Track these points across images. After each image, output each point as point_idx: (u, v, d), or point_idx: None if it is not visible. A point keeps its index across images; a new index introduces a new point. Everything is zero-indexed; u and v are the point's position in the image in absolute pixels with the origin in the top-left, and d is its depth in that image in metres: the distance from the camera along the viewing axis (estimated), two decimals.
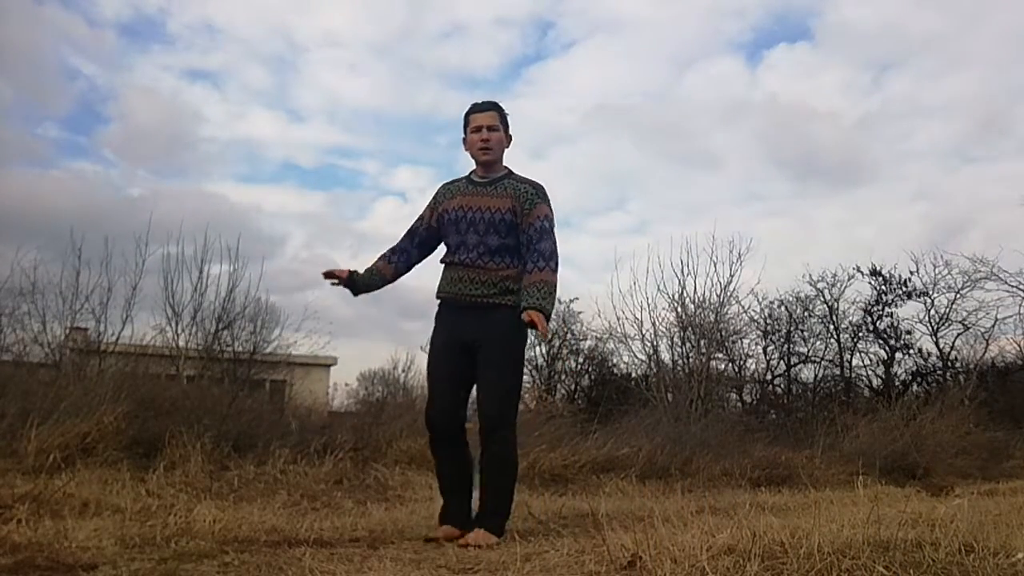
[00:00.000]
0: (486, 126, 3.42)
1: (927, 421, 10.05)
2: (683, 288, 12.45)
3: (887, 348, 16.59)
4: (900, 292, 16.62)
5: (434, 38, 31.55)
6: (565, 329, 15.52)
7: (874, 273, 16.63)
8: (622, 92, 32.02)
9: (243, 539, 3.03)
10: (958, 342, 16.31)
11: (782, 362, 16.07)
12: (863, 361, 16.52)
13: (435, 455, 3.52)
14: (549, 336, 3.64)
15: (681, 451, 7.37)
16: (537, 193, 3.41)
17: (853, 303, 16.43)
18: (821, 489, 6.47)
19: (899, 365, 16.68)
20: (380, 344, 32.43)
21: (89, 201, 23.41)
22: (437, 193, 3.59)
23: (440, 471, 3.53)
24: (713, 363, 13.00)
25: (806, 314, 16.20)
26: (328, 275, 3.56)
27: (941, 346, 16.39)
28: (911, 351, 16.62)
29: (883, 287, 16.65)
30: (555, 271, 3.32)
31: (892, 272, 16.59)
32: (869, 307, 16.54)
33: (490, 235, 3.37)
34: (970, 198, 27.39)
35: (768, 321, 15.79)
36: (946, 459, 9.38)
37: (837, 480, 7.50)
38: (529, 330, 3.36)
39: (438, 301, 3.56)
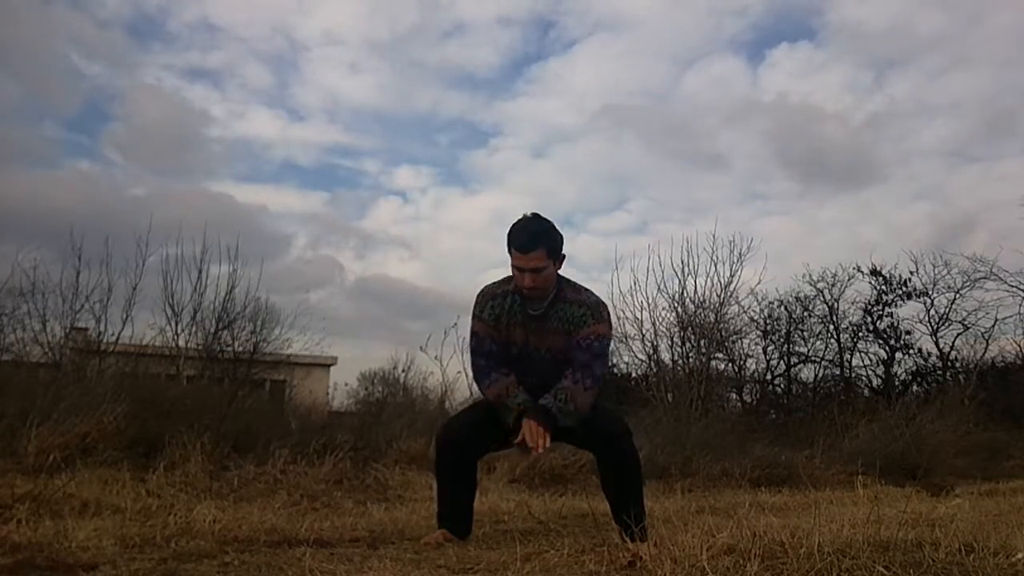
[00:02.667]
0: (529, 270, 2.98)
1: (927, 421, 10.05)
2: (683, 288, 12.47)
3: (887, 348, 16.62)
4: (900, 292, 16.66)
5: (435, 37, 31.60)
6: None
7: (874, 273, 16.67)
8: (623, 91, 32.10)
9: (243, 539, 3.03)
10: (958, 342, 16.37)
11: (782, 362, 16.11)
12: (863, 361, 16.58)
13: (440, 472, 3.29)
14: (532, 456, 3.32)
15: (681, 451, 7.37)
16: (590, 315, 3.07)
17: (853, 303, 16.48)
18: (821, 489, 6.47)
19: (899, 365, 16.75)
20: (381, 344, 32.46)
21: (94, 201, 23.47)
22: (485, 310, 3.15)
23: (443, 486, 3.31)
24: (713, 363, 13.02)
25: (806, 314, 16.24)
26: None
27: (941, 346, 16.43)
28: (911, 351, 16.67)
29: (883, 287, 16.69)
30: (589, 390, 3.00)
31: (892, 272, 16.64)
32: (869, 307, 16.58)
33: (550, 376, 3.09)
34: (975, 198, 27.43)
35: (768, 321, 15.83)
36: (946, 459, 9.38)
37: (837, 480, 7.50)
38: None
39: None
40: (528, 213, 3.08)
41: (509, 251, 3.03)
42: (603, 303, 3.16)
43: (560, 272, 3.13)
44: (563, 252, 3.08)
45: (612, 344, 3.31)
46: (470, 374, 3.54)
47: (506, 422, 3.07)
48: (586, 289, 3.18)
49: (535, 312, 3.09)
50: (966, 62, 29.81)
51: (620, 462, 3.18)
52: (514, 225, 3.04)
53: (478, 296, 3.20)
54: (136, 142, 28.37)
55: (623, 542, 2.93)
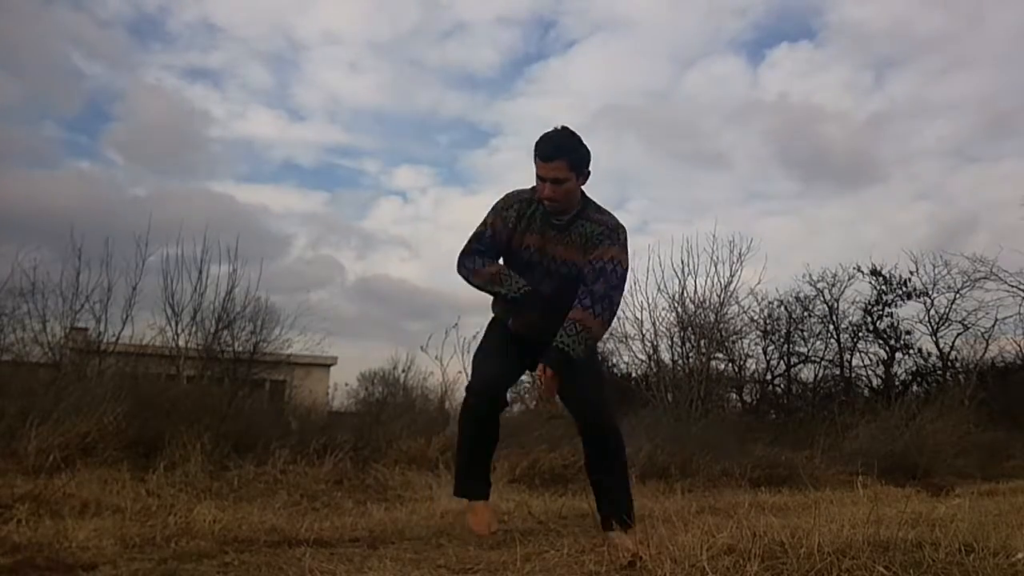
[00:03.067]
0: (550, 180, 2.97)
1: (927, 421, 10.04)
2: (683, 288, 12.46)
3: (887, 348, 16.61)
4: (900, 292, 16.65)
5: (435, 37, 31.61)
6: None
7: (874, 273, 16.66)
8: (624, 91, 32.10)
9: (243, 539, 3.03)
10: (958, 342, 16.35)
11: (782, 362, 16.09)
12: (863, 361, 16.56)
13: (470, 430, 3.21)
14: (550, 398, 3.31)
15: (681, 451, 7.36)
16: (606, 235, 3.03)
17: (853, 303, 16.47)
18: (821, 489, 6.46)
19: (899, 365, 16.73)
20: (381, 344, 32.47)
21: (94, 202, 23.47)
22: (510, 209, 3.13)
23: (471, 445, 3.23)
24: (713, 363, 13.01)
25: (806, 314, 16.22)
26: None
27: (941, 346, 16.42)
28: (911, 351, 16.66)
29: (883, 287, 16.68)
30: (599, 317, 2.92)
31: (892, 272, 16.63)
32: (869, 307, 16.56)
33: (565, 289, 3.03)
34: (977, 198, 27.42)
35: (768, 321, 15.81)
36: (946, 459, 9.38)
37: (837, 480, 7.49)
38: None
39: (493, 315, 3.30)
40: (559, 126, 3.03)
41: (534, 160, 3.00)
42: (623, 227, 3.11)
43: (587, 193, 3.10)
44: (589, 169, 3.03)
45: (629, 275, 3.30)
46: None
47: (508, 295, 3.06)
48: (610, 212, 3.13)
49: (556, 223, 3.07)
50: (966, 62, 29.84)
51: (604, 441, 3.17)
52: (542, 135, 3.01)
53: (505, 195, 3.18)
54: (137, 142, 28.39)
55: (606, 533, 2.96)
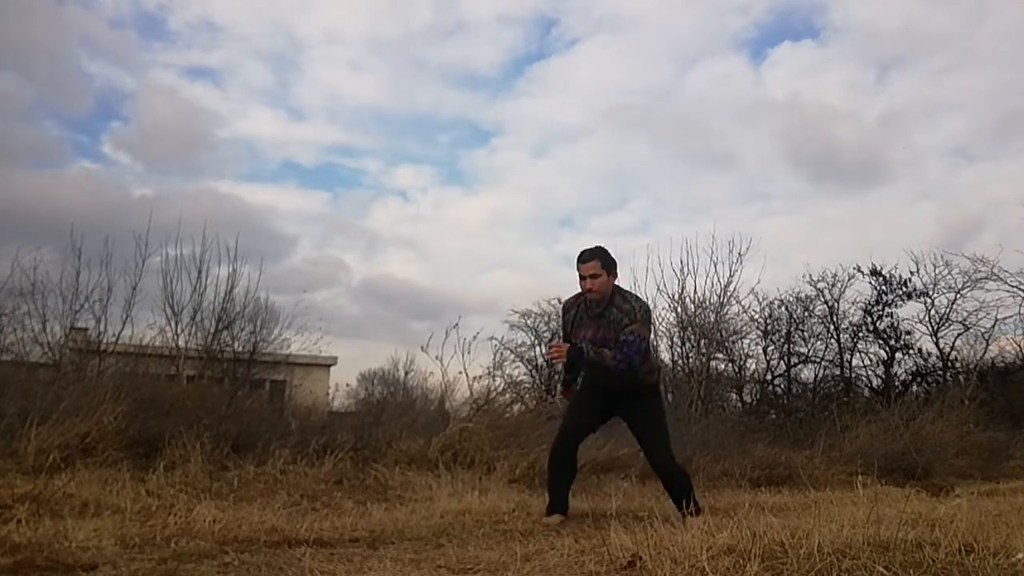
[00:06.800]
0: (589, 276, 4.17)
1: (927, 421, 10.04)
2: (683, 288, 12.45)
3: (887, 348, 16.60)
4: (900, 292, 16.64)
5: (436, 36, 31.60)
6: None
7: (874, 273, 16.65)
8: (625, 90, 32.11)
9: (243, 539, 3.03)
10: (958, 342, 16.34)
11: (782, 362, 16.08)
12: (863, 361, 16.54)
13: (555, 465, 4.35)
14: (556, 355, 4.23)
15: (681, 451, 7.32)
16: (628, 317, 4.12)
17: (853, 303, 16.45)
18: (821, 489, 6.47)
19: (899, 365, 16.71)
20: (383, 344, 32.46)
21: (101, 202, 23.46)
22: (568, 315, 4.44)
23: (556, 475, 4.35)
24: (713, 363, 13.00)
25: (806, 314, 16.21)
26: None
27: (941, 346, 16.41)
28: (911, 351, 16.64)
29: (883, 287, 16.67)
30: (614, 359, 4.04)
31: (892, 272, 16.62)
32: (869, 307, 16.55)
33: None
34: (982, 198, 27.34)
35: (768, 321, 15.80)
36: (946, 459, 9.38)
37: (837, 480, 7.49)
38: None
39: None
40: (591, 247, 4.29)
41: (577, 267, 4.22)
42: (644, 307, 4.27)
43: (617, 283, 4.29)
44: (615, 268, 4.26)
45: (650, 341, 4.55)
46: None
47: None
48: (635, 297, 4.34)
49: (595, 311, 4.24)
50: (972, 61, 29.78)
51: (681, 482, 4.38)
52: (581, 250, 4.26)
53: (564, 302, 4.60)
54: (144, 142, 28.37)
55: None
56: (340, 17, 32.72)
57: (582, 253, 4.24)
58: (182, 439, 5.12)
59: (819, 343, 16.21)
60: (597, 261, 4.18)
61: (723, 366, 14.25)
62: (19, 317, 9.27)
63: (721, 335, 13.19)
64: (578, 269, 4.22)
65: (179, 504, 3.75)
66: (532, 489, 5.49)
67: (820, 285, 16.16)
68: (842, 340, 16.21)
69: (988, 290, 15.75)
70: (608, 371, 4.10)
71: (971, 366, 15.83)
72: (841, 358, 16.19)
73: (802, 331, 16.18)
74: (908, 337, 16.64)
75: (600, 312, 4.23)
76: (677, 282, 12.49)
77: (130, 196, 23.42)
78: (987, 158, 30.15)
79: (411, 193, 33.43)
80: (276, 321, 11.40)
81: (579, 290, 4.35)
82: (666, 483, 4.42)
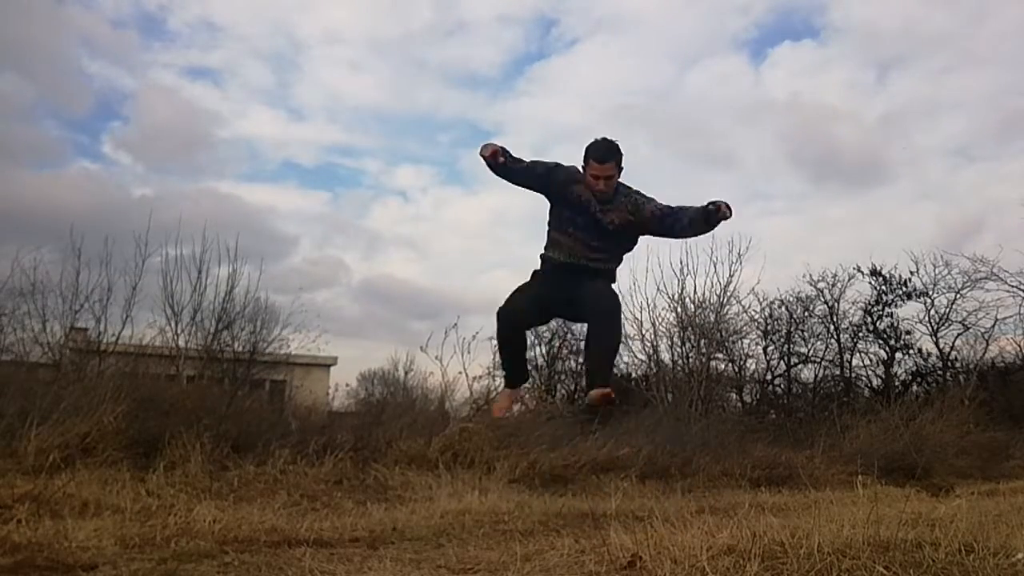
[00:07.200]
0: (604, 177, 3.71)
1: (927, 421, 10.04)
2: (683, 288, 12.46)
3: (887, 348, 16.59)
4: (900, 292, 16.63)
5: (436, 36, 31.53)
6: (565, 330, 15.55)
7: (874, 273, 16.64)
8: (625, 90, 32.01)
9: (243, 539, 3.03)
10: (958, 342, 16.32)
11: (782, 362, 16.07)
12: (863, 361, 16.53)
13: (505, 342, 3.99)
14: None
15: (681, 451, 7.37)
16: (643, 198, 3.80)
17: (853, 303, 16.44)
18: (821, 489, 6.46)
19: (899, 365, 16.70)
20: (383, 344, 32.42)
21: (102, 202, 23.42)
22: (564, 169, 3.85)
23: (507, 352, 4.02)
24: (713, 363, 13.01)
25: (806, 314, 16.20)
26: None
27: (941, 346, 16.40)
28: (911, 351, 16.63)
29: (883, 287, 16.67)
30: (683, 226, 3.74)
31: (892, 272, 16.62)
32: (869, 307, 16.54)
33: (603, 239, 3.84)
34: (983, 198, 27.28)
35: (768, 321, 15.79)
36: (946, 459, 9.38)
37: (837, 480, 7.49)
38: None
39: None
40: (600, 138, 3.78)
41: (587, 161, 3.72)
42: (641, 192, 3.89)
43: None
44: (623, 166, 3.81)
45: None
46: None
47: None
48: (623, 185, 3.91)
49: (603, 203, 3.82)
50: (972, 61, 29.72)
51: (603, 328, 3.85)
52: (594, 142, 3.75)
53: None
54: (144, 142, 28.33)
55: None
56: (340, 17, 32.65)
57: (598, 148, 3.71)
58: (182, 439, 5.12)
59: (819, 343, 16.22)
60: (614, 163, 3.72)
61: (723, 366, 14.26)
62: (19, 317, 9.30)
63: (721, 335, 13.19)
64: (591, 168, 3.70)
65: (179, 504, 3.75)
66: (532, 489, 5.49)
67: (820, 285, 16.17)
68: (842, 340, 16.22)
69: (988, 290, 15.76)
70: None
71: (971, 366, 15.83)
72: (841, 358, 16.19)
73: (802, 331, 16.18)
74: (908, 337, 16.65)
75: (609, 199, 3.79)
76: (677, 282, 12.52)
77: (130, 196, 23.40)
78: (987, 158, 30.05)
79: (411, 193, 33.37)
80: (276, 321, 11.42)
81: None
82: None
